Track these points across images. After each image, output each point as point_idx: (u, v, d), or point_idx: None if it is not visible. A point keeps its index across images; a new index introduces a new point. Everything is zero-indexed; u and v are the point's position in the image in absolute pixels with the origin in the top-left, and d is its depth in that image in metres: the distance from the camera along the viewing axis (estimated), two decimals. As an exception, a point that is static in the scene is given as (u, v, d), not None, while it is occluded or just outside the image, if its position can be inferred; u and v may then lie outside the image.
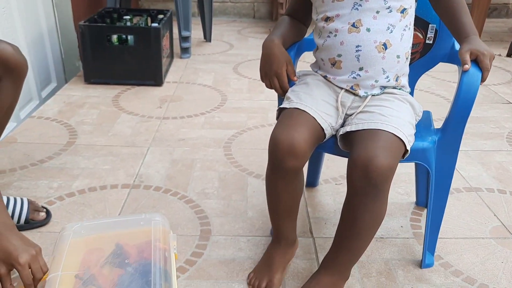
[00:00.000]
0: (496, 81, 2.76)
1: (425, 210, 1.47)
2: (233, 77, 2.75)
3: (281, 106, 1.11)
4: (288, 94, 1.13)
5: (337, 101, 1.11)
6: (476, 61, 1.05)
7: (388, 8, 1.07)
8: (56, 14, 2.63)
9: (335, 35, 1.10)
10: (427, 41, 1.32)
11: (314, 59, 1.21)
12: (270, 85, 1.17)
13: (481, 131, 2.07)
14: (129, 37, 2.44)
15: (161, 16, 2.77)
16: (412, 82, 1.32)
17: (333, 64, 1.12)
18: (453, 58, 1.26)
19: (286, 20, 1.24)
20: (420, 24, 1.29)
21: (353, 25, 1.07)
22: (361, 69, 1.09)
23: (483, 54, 1.04)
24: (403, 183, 1.62)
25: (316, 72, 1.19)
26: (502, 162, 1.79)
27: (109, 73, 2.49)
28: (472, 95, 1.06)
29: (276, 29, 1.21)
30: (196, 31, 3.68)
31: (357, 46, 1.08)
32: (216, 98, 2.40)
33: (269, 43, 1.15)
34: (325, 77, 1.15)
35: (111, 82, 2.50)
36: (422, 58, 1.33)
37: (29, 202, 1.33)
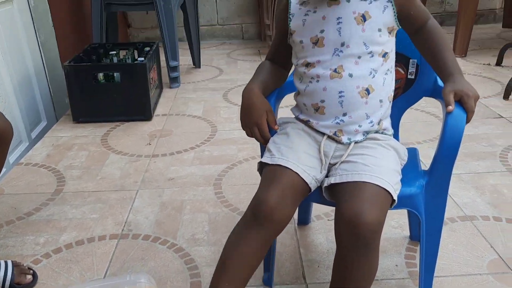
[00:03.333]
0: (486, 93, 2.73)
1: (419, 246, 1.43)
2: (223, 105, 2.74)
3: (263, 160, 1.08)
4: (269, 145, 1.11)
5: (319, 151, 1.08)
6: (460, 102, 1.03)
7: (370, 53, 1.05)
8: (42, 53, 2.62)
9: (317, 81, 1.08)
10: (409, 76, 1.30)
11: (295, 102, 1.19)
12: (251, 135, 1.14)
13: (473, 150, 2.04)
14: (115, 74, 2.42)
15: (147, 48, 2.76)
16: (396, 118, 1.30)
17: (316, 110, 1.10)
18: (437, 93, 1.23)
19: (267, 65, 1.21)
20: (401, 59, 1.27)
21: (335, 71, 1.05)
22: (344, 114, 1.07)
23: (467, 95, 1.02)
24: (395, 215, 1.59)
25: (298, 116, 1.16)
26: (496, 184, 1.76)
27: (97, 111, 2.47)
28: (457, 138, 1.04)
29: (256, 76, 1.18)
30: (185, 57, 3.68)
31: (340, 92, 1.05)
32: (206, 129, 2.38)
33: (248, 93, 1.13)
34: (307, 121, 1.12)
35: (100, 120, 2.48)
36: (405, 94, 1.31)
37: (14, 264, 1.30)
